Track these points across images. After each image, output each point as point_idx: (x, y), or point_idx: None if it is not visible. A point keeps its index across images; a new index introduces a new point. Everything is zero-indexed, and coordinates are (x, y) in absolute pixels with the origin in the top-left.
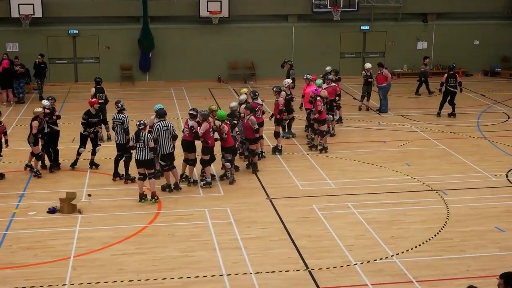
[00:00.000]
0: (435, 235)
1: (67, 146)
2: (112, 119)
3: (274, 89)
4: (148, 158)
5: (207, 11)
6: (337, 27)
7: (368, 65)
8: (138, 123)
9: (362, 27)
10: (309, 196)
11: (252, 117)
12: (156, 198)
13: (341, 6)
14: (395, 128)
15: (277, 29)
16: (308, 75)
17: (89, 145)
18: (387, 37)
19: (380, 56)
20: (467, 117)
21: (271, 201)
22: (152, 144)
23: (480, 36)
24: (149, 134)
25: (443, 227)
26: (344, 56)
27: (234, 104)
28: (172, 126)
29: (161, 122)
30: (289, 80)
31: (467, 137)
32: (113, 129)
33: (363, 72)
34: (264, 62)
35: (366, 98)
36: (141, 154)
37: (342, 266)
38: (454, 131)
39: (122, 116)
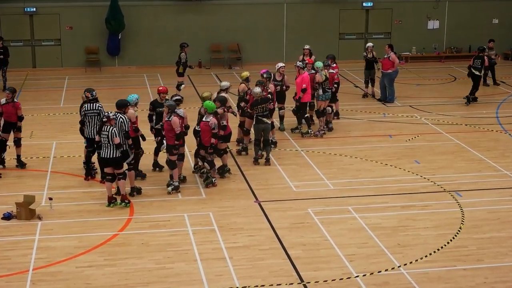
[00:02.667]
0: (448, 243)
1: (24, 142)
2: (84, 111)
3: (265, 75)
4: (114, 156)
5: None
6: (336, 4)
7: (370, 44)
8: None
9: (364, 4)
10: (304, 199)
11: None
12: (127, 202)
13: None
14: (402, 120)
15: (266, 7)
16: (299, 62)
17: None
18: (393, 15)
19: (385, 37)
20: (484, 107)
21: (260, 205)
22: (117, 140)
23: (499, 14)
24: (114, 129)
25: (457, 233)
26: (344, 38)
27: (225, 83)
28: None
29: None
30: (281, 64)
31: (484, 130)
32: (82, 122)
33: (364, 52)
34: (251, 44)
35: (370, 84)
36: (106, 151)
37: (341, 279)
38: (470, 123)
39: (99, 106)
